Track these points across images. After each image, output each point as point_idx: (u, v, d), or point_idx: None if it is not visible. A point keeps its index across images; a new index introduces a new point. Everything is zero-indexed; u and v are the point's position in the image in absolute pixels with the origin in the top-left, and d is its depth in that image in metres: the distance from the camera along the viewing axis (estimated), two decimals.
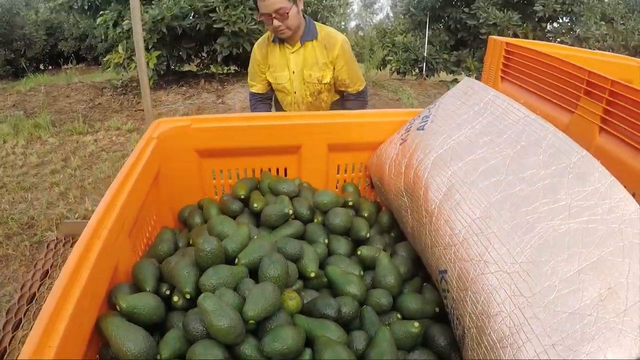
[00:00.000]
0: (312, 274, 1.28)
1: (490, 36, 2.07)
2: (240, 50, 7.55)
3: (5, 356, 1.36)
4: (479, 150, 1.25)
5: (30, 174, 5.07)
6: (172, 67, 8.75)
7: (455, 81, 10.61)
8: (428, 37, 10.59)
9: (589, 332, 0.81)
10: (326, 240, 1.46)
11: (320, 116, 1.83)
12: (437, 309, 1.30)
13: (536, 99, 1.71)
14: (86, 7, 8.62)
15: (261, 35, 2.78)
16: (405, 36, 10.85)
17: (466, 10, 10.09)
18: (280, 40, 2.60)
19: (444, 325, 1.23)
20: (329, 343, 1.04)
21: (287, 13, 2.37)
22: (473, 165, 1.22)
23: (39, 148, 5.90)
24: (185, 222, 1.68)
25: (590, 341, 0.80)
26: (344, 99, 2.80)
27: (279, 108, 2.91)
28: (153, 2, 7.47)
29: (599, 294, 0.85)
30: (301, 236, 1.49)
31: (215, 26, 7.27)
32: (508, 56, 1.93)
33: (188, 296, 1.13)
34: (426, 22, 10.72)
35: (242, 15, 7.24)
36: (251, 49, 2.80)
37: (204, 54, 9.01)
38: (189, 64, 9.29)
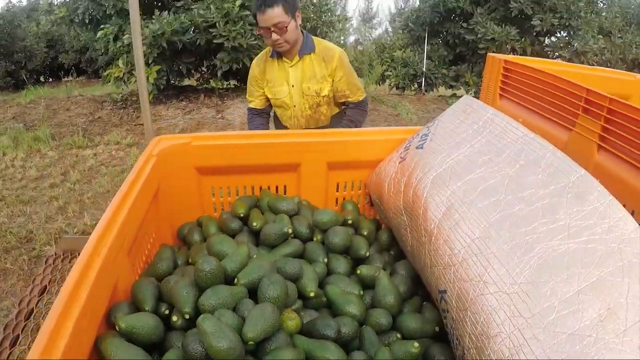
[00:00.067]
0: (312, 294, 1.28)
1: (488, 53, 2.08)
2: (240, 65, 7.58)
3: None
4: (478, 170, 1.25)
5: (29, 188, 5.06)
6: (172, 81, 8.77)
7: (454, 96, 10.65)
8: (427, 52, 10.64)
9: (588, 353, 0.81)
10: (325, 259, 1.46)
11: (320, 134, 1.84)
12: (437, 329, 1.29)
13: (535, 117, 1.72)
14: (87, 21, 8.65)
15: (261, 51, 2.80)
16: (404, 51, 10.90)
17: (464, 25, 10.15)
18: (279, 55, 2.63)
19: (444, 344, 1.23)
20: None
21: (286, 27, 2.41)
22: (472, 185, 1.22)
23: (38, 161, 5.90)
24: (184, 239, 1.68)
25: None
26: (344, 108, 2.81)
27: (279, 124, 2.92)
28: (153, 16, 7.50)
29: (599, 314, 0.85)
30: (300, 255, 1.48)
31: (215, 41, 7.30)
32: (506, 73, 1.94)
33: (187, 316, 1.13)
34: (425, 37, 10.77)
35: (242, 31, 7.28)
36: (251, 65, 2.82)
37: (204, 69, 9.04)
38: (189, 79, 9.31)
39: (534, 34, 10.03)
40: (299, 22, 2.53)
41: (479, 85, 10.05)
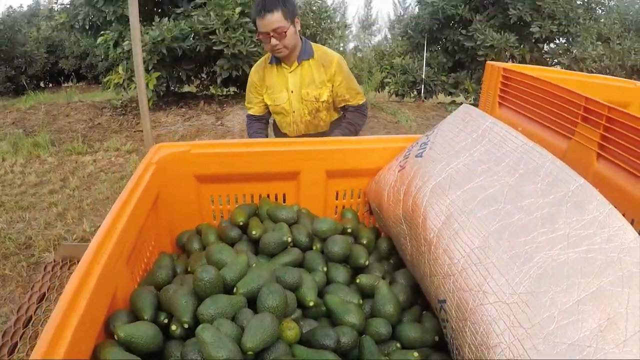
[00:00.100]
0: (311, 303, 1.28)
1: (487, 62, 2.08)
2: (240, 72, 7.60)
3: None
4: (477, 179, 1.25)
5: (28, 193, 5.07)
6: (172, 88, 8.80)
7: (454, 103, 10.68)
8: (426, 59, 10.67)
9: None
10: (325, 268, 1.46)
11: (319, 142, 1.84)
12: (436, 338, 1.29)
13: (534, 125, 1.72)
14: (87, 27, 8.69)
15: (260, 58, 2.82)
16: (403, 58, 10.93)
17: (463, 32, 10.18)
18: (278, 61, 2.65)
19: (444, 354, 1.22)
20: None
21: (285, 32, 2.44)
22: (471, 194, 1.22)
23: (37, 167, 5.91)
24: (183, 247, 1.68)
25: None
26: (344, 113, 2.82)
27: (278, 133, 2.93)
28: (153, 23, 7.53)
29: (599, 324, 0.84)
30: (300, 264, 1.48)
31: (215, 48, 7.32)
32: (505, 82, 1.94)
33: (186, 325, 1.13)
34: (424, 44, 10.81)
35: (242, 38, 7.30)
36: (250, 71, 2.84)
37: (204, 75, 9.06)
38: (189, 85, 9.34)
39: (533, 40, 10.07)
40: (298, 28, 2.56)
41: (478, 92, 10.07)
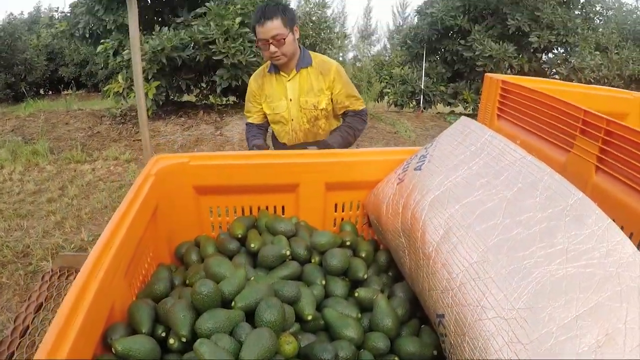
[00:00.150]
0: (309, 317, 1.28)
1: (486, 74, 2.09)
2: (239, 82, 7.62)
3: None
4: (476, 193, 1.26)
5: (27, 201, 5.06)
6: (171, 97, 8.81)
7: (453, 113, 10.70)
8: (425, 69, 10.71)
9: None
10: (323, 282, 1.45)
11: (318, 155, 1.84)
12: (435, 352, 1.28)
13: (533, 138, 1.72)
14: (87, 35, 8.72)
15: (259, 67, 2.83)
16: (402, 68, 10.96)
17: (462, 42, 10.23)
18: (276, 70, 2.67)
19: None
20: None
21: (284, 39, 2.47)
22: (470, 208, 1.22)
23: (36, 175, 5.91)
24: (182, 258, 1.67)
25: None
26: (344, 117, 2.83)
27: (276, 143, 2.93)
28: (153, 32, 7.55)
29: (597, 340, 0.84)
30: (298, 277, 1.48)
31: (214, 58, 7.34)
32: (504, 94, 1.95)
33: (184, 339, 1.12)
34: (423, 54, 10.85)
35: (241, 48, 7.33)
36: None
37: (203, 85, 9.08)
38: (188, 95, 9.36)
39: (531, 50, 10.12)
40: (297, 36, 2.59)
41: (477, 102, 10.10)
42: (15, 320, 1.71)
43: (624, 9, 12.34)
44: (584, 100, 2.08)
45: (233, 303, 1.21)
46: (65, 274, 1.99)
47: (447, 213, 1.26)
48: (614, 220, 1.01)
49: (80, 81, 15.33)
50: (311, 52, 2.72)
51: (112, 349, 1.06)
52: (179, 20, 7.98)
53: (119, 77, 7.90)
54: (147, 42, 7.17)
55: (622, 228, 1.22)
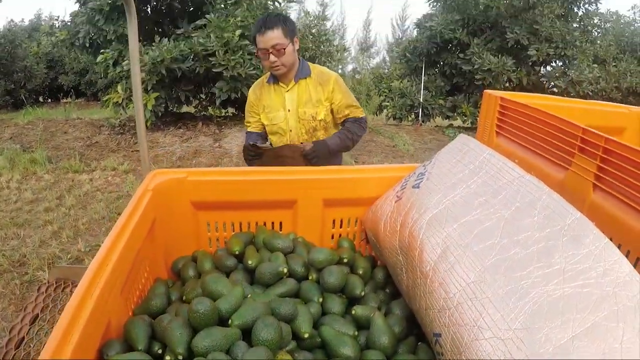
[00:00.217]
0: (306, 335, 1.27)
1: (485, 90, 2.09)
2: (239, 94, 7.63)
3: None
4: (474, 212, 1.26)
5: (24, 210, 5.06)
6: (170, 108, 8.82)
7: (451, 126, 10.73)
8: (424, 82, 10.75)
9: None
10: (320, 299, 1.45)
11: (316, 171, 1.84)
12: None
13: (531, 155, 1.73)
14: (87, 45, 8.75)
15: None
16: (401, 82, 11.02)
17: (461, 55, 10.29)
18: (275, 80, 2.69)
19: None
20: None
21: (284, 49, 2.49)
22: (468, 227, 1.22)
23: (34, 184, 5.90)
24: (179, 273, 1.67)
25: None
26: (344, 123, 2.83)
27: None
28: (153, 43, 7.57)
29: None
30: (295, 294, 1.48)
31: (214, 70, 7.36)
32: (503, 111, 1.95)
33: (180, 357, 1.12)
34: (422, 67, 10.90)
35: (241, 60, 7.35)
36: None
37: (202, 96, 9.10)
38: (187, 106, 9.38)
39: (530, 63, 10.17)
40: (297, 47, 2.62)
41: (475, 116, 10.16)
42: (10, 331, 1.70)
43: (622, 21, 12.40)
44: (582, 115, 2.09)
45: (230, 321, 1.20)
46: (61, 286, 1.99)
47: (444, 232, 1.26)
48: (611, 239, 1.01)
49: (79, 90, 15.37)
50: (310, 64, 2.74)
51: None
52: (179, 31, 8.01)
53: (119, 88, 7.92)
54: (147, 54, 7.19)
55: (619, 246, 1.23)
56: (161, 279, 1.60)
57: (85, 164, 6.71)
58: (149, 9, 8.56)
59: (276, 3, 8.66)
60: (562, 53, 9.84)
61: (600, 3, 10.41)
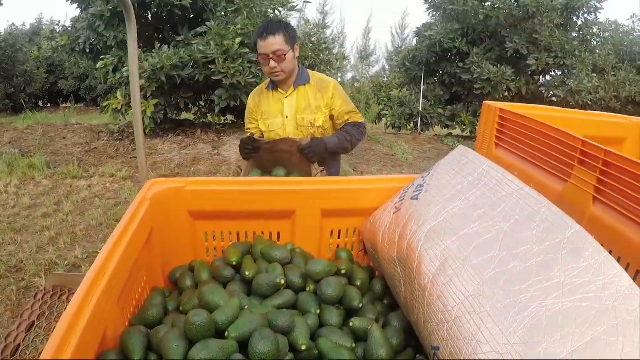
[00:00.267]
0: (303, 347, 1.26)
1: (484, 102, 2.10)
2: (238, 102, 7.63)
3: None
4: (473, 224, 1.25)
5: (21, 216, 5.05)
6: (170, 115, 8.83)
7: (450, 135, 10.74)
8: (423, 91, 10.77)
9: None
10: (318, 311, 1.44)
11: (315, 182, 1.85)
12: None
13: (531, 167, 1.73)
14: (88, 50, 8.76)
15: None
16: (400, 90, 11.04)
17: (460, 65, 10.32)
18: (274, 87, 2.70)
19: None
20: None
21: (285, 55, 2.51)
22: (467, 240, 1.22)
23: (32, 189, 5.90)
24: (176, 282, 1.66)
25: None
26: (344, 127, 2.83)
27: None
28: (154, 50, 7.58)
29: None
30: (293, 305, 1.47)
31: (213, 78, 7.36)
32: (502, 122, 1.96)
33: None
34: (421, 76, 10.92)
35: (241, 69, 7.35)
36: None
37: (202, 103, 9.11)
38: (187, 113, 9.38)
39: (529, 73, 10.19)
40: (297, 54, 2.63)
41: (474, 125, 10.17)
42: (6, 339, 1.69)
43: (621, 30, 12.42)
44: (582, 126, 2.09)
45: (227, 333, 1.20)
46: (57, 293, 1.98)
47: (443, 245, 1.26)
48: (610, 251, 1.01)
49: (79, 95, 15.40)
50: (309, 71, 2.76)
51: None
52: (179, 38, 8.02)
53: (118, 94, 7.93)
54: (147, 60, 7.20)
55: (619, 259, 1.23)
56: (158, 288, 1.59)
57: (83, 169, 6.71)
58: (150, 15, 8.57)
59: (277, 11, 8.68)
60: (562, 62, 9.87)
61: (600, 12, 10.44)
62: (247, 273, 1.53)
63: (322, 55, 10.01)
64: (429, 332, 1.19)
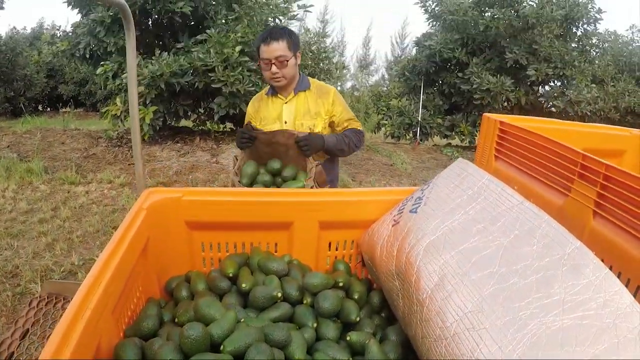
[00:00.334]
0: None
1: (484, 114, 2.09)
2: (237, 110, 7.64)
3: None
4: (472, 239, 1.24)
5: (18, 221, 5.03)
6: (169, 122, 8.83)
7: (449, 145, 10.76)
8: (422, 101, 10.80)
9: None
10: (315, 324, 1.43)
11: (313, 194, 1.84)
12: None
13: (530, 180, 1.72)
14: (88, 56, 8.78)
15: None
16: (399, 100, 11.06)
17: (460, 75, 10.36)
18: (274, 93, 2.72)
19: None
20: None
21: (287, 61, 2.53)
22: (466, 255, 1.21)
23: (29, 194, 5.88)
24: (172, 293, 1.65)
25: None
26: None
27: None
28: (153, 57, 7.59)
29: None
30: (289, 318, 1.46)
31: (213, 85, 7.37)
32: (502, 135, 1.95)
33: None
34: (421, 86, 10.95)
35: (240, 77, 7.37)
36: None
37: (201, 110, 9.12)
38: (186, 120, 9.39)
39: (529, 83, 10.23)
40: (299, 61, 2.65)
41: (473, 135, 10.20)
42: (0, 346, 1.68)
43: (620, 40, 12.48)
44: (582, 138, 2.09)
45: (222, 347, 1.18)
46: (52, 301, 1.97)
47: (442, 259, 1.24)
48: (611, 267, 1.00)
49: (79, 100, 15.43)
50: (309, 78, 2.79)
51: None
52: (179, 45, 8.04)
53: (117, 100, 7.94)
54: (147, 67, 7.20)
55: (619, 274, 1.22)
56: (154, 298, 1.58)
57: (81, 175, 6.70)
58: (150, 21, 8.59)
59: (277, 20, 8.71)
60: (561, 73, 9.91)
61: (599, 23, 10.50)
62: (243, 285, 1.52)
63: (321, 64, 10.02)
64: (427, 348, 1.17)
